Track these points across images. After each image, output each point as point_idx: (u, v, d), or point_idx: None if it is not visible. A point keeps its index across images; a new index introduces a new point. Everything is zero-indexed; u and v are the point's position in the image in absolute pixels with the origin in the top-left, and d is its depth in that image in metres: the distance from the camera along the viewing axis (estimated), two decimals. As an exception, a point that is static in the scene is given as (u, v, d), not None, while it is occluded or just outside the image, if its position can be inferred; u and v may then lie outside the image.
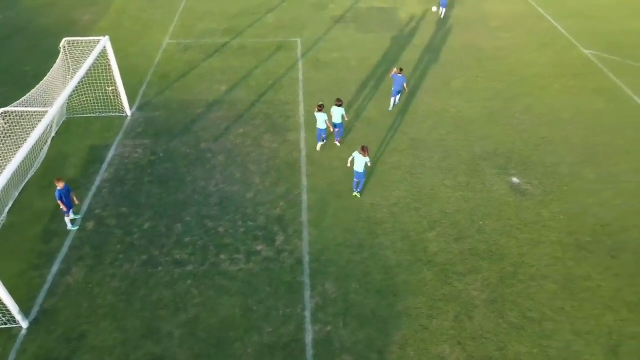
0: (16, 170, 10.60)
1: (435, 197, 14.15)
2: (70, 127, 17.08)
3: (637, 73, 19.76)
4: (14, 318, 10.49)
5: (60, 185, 12.16)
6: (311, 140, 16.38)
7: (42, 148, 15.45)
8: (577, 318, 10.93)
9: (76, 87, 17.36)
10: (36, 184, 14.44)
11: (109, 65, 16.92)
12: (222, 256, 12.41)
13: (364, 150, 13.25)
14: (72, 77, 14.44)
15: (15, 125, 13.50)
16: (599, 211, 13.56)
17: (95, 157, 15.70)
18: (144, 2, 27.06)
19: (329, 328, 10.76)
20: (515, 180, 14.71)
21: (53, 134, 16.37)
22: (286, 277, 11.89)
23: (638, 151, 15.64)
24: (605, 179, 14.66)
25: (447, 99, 18.65)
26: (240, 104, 18.45)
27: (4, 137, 13.27)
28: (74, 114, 17.46)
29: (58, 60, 15.44)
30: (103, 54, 16.69)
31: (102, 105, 17.64)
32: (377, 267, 12.13)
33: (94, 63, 17.01)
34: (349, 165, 13.78)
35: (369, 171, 14.70)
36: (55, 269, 12.02)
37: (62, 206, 12.43)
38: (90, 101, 17.68)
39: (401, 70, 17.37)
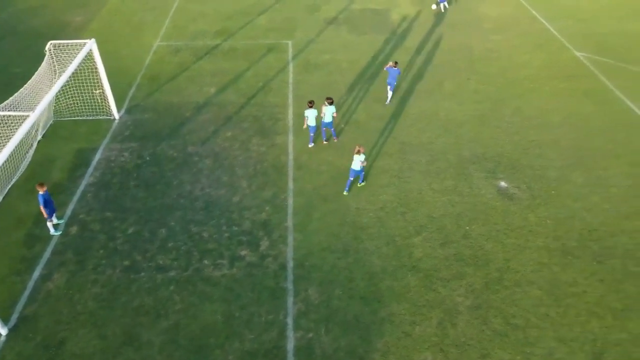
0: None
1: (422, 201, 14.05)
2: (57, 130, 16.99)
3: (628, 75, 19.67)
4: (-7, 325, 10.41)
5: (42, 190, 12.08)
6: (299, 144, 16.30)
7: (28, 151, 15.35)
8: (562, 324, 10.83)
9: (64, 90, 17.33)
10: (20, 188, 14.35)
11: (96, 68, 16.82)
12: (206, 261, 12.32)
13: (359, 149, 13.53)
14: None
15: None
16: (587, 216, 13.47)
17: (81, 161, 15.60)
18: (137, 3, 26.99)
19: (310, 335, 10.66)
20: (502, 184, 14.62)
21: (39, 137, 16.27)
22: (269, 283, 11.80)
23: (627, 155, 15.54)
24: (593, 182, 14.56)
25: (438, 101, 18.56)
26: (230, 106, 18.36)
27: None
28: (62, 117, 17.36)
29: (43, 64, 15.35)
30: (91, 57, 16.62)
31: (89, 108, 17.55)
32: (361, 273, 12.03)
33: (82, 66, 16.97)
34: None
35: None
36: (36, 274, 11.93)
37: (44, 212, 12.34)
38: (78, 104, 17.58)
39: (396, 63, 17.74)
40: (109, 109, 17.49)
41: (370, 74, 20.34)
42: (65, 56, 15.74)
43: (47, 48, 15.59)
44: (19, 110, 13.38)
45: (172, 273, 12.00)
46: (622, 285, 11.63)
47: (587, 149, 15.90)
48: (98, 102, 17.67)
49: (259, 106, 18.35)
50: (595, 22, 24.16)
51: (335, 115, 15.61)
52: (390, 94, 18.28)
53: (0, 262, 12.20)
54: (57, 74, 15.29)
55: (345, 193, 14.21)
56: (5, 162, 10.85)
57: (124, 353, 10.30)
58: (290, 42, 22.86)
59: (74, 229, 13.17)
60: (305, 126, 15.73)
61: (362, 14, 25.78)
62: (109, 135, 16.78)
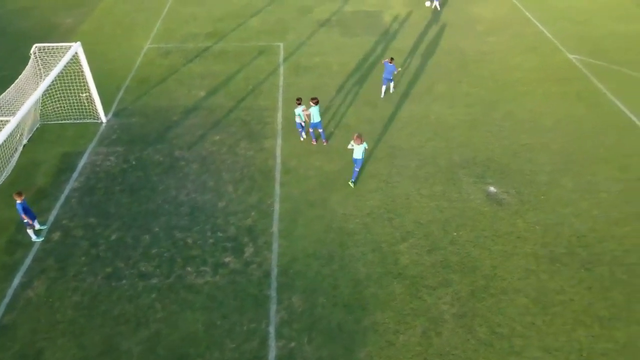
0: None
1: (410, 206, 13.89)
2: (43, 133, 16.84)
3: (620, 78, 19.50)
4: (-31, 334, 10.25)
5: (19, 199, 11.95)
6: (287, 148, 16.14)
7: (12, 156, 15.18)
8: (547, 333, 10.67)
9: (50, 93, 17.16)
10: (3, 193, 14.15)
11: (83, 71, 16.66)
12: (189, 268, 12.16)
13: (359, 139, 13.66)
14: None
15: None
16: (575, 221, 13.30)
17: (66, 165, 15.44)
18: (128, 5, 26.82)
19: (292, 344, 10.50)
20: (491, 189, 14.46)
21: (25, 141, 16.11)
22: (252, 291, 11.64)
23: (617, 159, 15.38)
24: (583, 187, 14.40)
25: (429, 104, 18.40)
26: (218, 110, 18.20)
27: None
28: (48, 121, 17.20)
29: (28, 67, 15.19)
30: (78, 60, 16.45)
31: (77, 112, 17.39)
32: (346, 280, 11.87)
33: (69, 69, 16.82)
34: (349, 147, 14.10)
35: (344, 178, 14.57)
36: (16, 282, 11.77)
37: (26, 219, 12.20)
38: (65, 107, 17.42)
39: (392, 59, 18.08)
40: (97, 112, 17.32)
41: (360, 76, 20.17)
42: (50, 59, 15.60)
43: (32, 51, 15.44)
44: (0, 115, 13.22)
45: (154, 280, 11.84)
46: (609, 293, 11.47)
47: (578, 153, 15.74)
48: (85, 106, 17.51)
49: (248, 109, 18.19)
50: (589, 25, 23.99)
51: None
52: (384, 88, 18.60)
53: (-20, 269, 12.05)
54: (43, 78, 15.14)
55: (350, 184, 14.42)
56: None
57: (103, 363, 10.15)
58: (281, 45, 22.69)
59: (56, 235, 13.01)
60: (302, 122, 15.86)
61: (355, 15, 25.62)
62: (95, 139, 16.61)
